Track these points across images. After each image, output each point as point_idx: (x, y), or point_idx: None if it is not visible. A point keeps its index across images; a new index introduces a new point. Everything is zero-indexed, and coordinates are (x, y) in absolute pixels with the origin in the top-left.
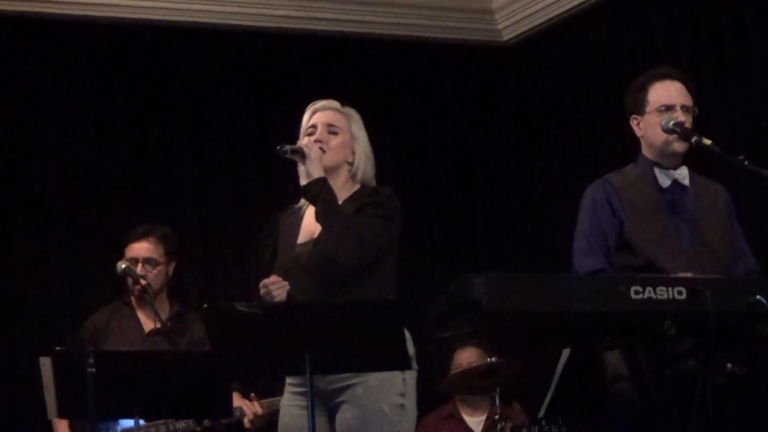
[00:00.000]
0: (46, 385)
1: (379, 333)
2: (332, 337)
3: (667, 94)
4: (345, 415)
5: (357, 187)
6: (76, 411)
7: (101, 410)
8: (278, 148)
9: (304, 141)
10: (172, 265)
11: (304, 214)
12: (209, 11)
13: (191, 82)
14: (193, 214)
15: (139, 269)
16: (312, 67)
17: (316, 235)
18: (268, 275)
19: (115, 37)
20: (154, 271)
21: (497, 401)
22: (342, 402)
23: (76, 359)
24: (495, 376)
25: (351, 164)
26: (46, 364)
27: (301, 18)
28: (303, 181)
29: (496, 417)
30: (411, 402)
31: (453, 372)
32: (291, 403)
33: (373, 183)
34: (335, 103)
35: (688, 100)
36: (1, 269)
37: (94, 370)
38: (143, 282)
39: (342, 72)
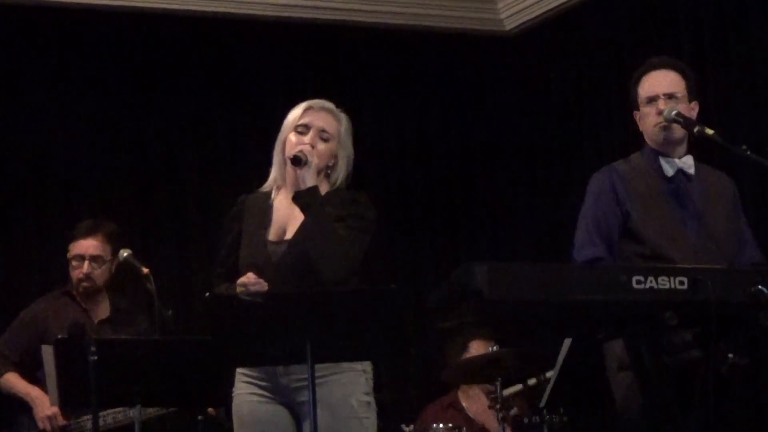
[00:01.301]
0: (48, 373)
1: (379, 321)
2: (333, 325)
3: (650, 85)
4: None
5: (329, 188)
6: (77, 399)
7: (103, 398)
8: (293, 159)
9: (305, 147)
10: (116, 262)
11: (272, 203)
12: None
13: (191, 70)
14: (195, 203)
15: (85, 267)
16: (312, 56)
17: (288, 234)
18: (227, 261)
19: (113, 25)
20: (101, 269)
21: (498, 391)
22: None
23: (78, 347)
24: (496, 366)
25: (330, 168)
26: (47, 352)
27: (302, 6)
28: (296, 188)
29: (498, 407)
30: (373, 400)
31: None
32: (249, 392)
33: (344, 185)
34: (330, 105)
35: (673, 87)
36: (2, 260)
37: (96, 358)
38: (145, 271)
39: (343, 61)
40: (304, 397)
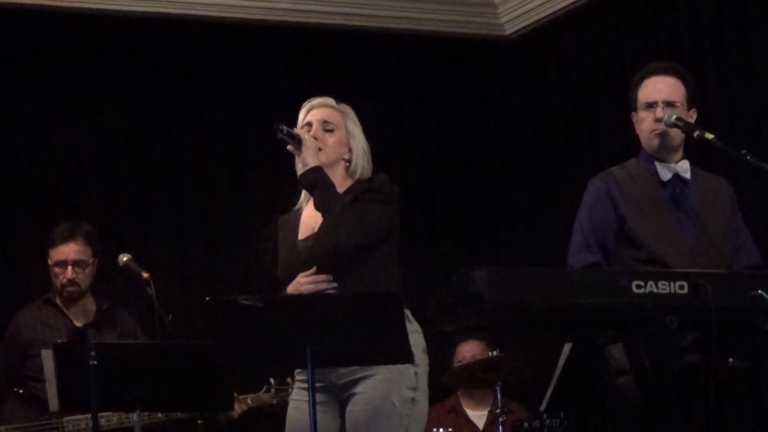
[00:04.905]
0: (48, 378)
1: (380, 325)
2: (333, 329)
3: (650, 90)
4: (354, 407)
5: (353, 181)
6: (77, 404)
7: (102, 403)
8: (274, 125)
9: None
10: (96, 263)
11: (302, 212)
12: (213, 4)
13: (192, 75)
14: (196, 208)
15: (69, 272)
16: (314, 60)
17: (316, 229)
18: (270, 279)
19: (118, 30)
20: (85, 272)
21: (498, 395)
22: (352, 395)
23: (78, 352)
24: (497, 370)
25: (348, 161)
26: (47, 356)
27: (304, 11)
28: (300, 171)
29: (497, 411)
30: (422, 397)
31: (455, 365)
32: (300, 398)
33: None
34: (330, 100)
35: (673, 95)
36: (4, 258)
37: (95, 362)
38: (145, 275)
39: (344, 65)
40: (349, 391)
